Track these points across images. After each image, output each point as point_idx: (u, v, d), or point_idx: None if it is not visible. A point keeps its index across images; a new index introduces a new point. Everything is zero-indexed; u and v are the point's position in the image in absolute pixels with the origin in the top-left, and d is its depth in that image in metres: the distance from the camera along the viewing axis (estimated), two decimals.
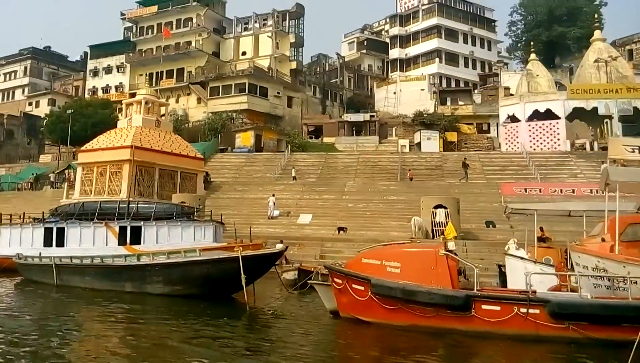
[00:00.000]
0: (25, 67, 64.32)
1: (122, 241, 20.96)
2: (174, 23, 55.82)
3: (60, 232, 21.26)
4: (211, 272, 13.17)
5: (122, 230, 21.11)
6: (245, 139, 40.96)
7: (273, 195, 28.44)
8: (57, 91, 60.61)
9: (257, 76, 49.20)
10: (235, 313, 12.26)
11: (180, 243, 20.71)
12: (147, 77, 55.18)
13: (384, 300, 10.00)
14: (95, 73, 58.48)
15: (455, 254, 10.22)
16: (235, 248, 19.64)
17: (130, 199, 25.77)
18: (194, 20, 54.75)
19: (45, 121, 49.37)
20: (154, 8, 56.93)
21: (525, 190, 26.81)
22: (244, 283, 12.22)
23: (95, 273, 14.56)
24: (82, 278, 14.93)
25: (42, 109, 59.32)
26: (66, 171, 40.57)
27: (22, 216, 23.57)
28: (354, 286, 10.43)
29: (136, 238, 20.98)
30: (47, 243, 21.17)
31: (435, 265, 9.88)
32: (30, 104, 60.74)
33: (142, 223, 21.23)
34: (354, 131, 45.09)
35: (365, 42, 61.02)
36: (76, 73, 62.38)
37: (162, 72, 54.59)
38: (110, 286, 14.24)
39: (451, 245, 10.23)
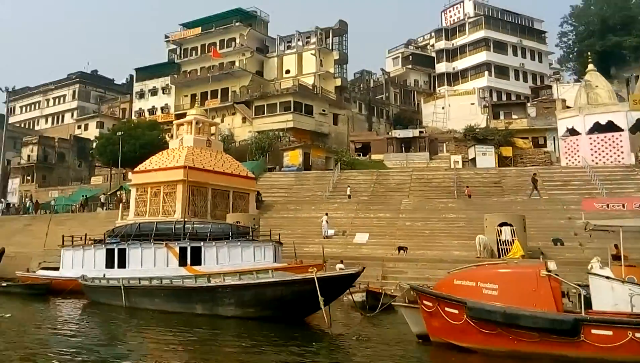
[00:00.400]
0: (74, 91, 66.60)
1: (182, 262, 21.07)
2: (218, 44, 56.86)
3: (122, 253, 21.52)
4: (285, 294, 12.95)
5: (183, 250, 21.22)
6: (293, 157, 41.03)
7: (326, 214, 28.22)
8: (104, 114, 62.40)
9: (301, 93, 49.47)
10: (314, 336, 11.96)
11: (240, 264, 20.66)
12: (192, 98, 56.40)
13: (481, 324, 9.54)
14: (141, 95, 59.99)
15: (557, 275, 9.71)
16: (297, 268, 19.57)
17: (186, 219, 25.92)
18: (237, 41, 55.67)
19: (95, 143, 50.72)
20: (198, 30, 58.25)
21: (607, 205, 25.77)
22: (322, 306, 11.96)
23: (165, 295, 14.54)
24: (151, 300, 14.94)
25: (91, 131, 61.13)
26: (118, 193, 41.40)
27: (84, 238, 23.95)
28: (446, 309, 10.01)
29: (196, 259, 21.06)
30: (109, 264, 21.43)
31: (536, 287, 9.40)
32: (79, 127, 62.66)
33: (201, 243, 21.32)
34: (403, 148, 44.65)
35: (411, 57, 60.77)
36: (123, 96, 64.13)
37: (206, 92, 55.49)
38: (180, 308, 14.18)
39: (552, 266, 9.72)
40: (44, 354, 9.83)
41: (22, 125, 69.37)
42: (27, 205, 49.84)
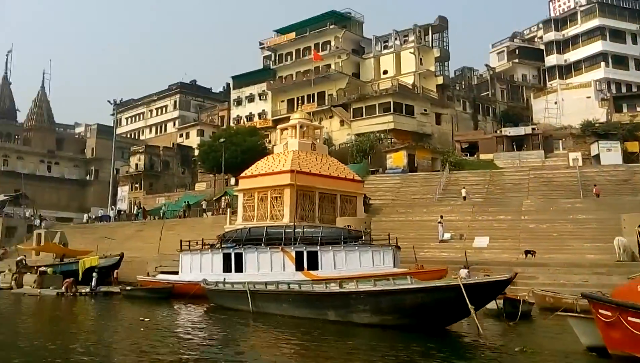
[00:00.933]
0: (175, 101, 69.87)
1: (299, 267, 20.95)
2: (312, 47, 57.25)
3: (239, 258, 21.77)
4: (426, 301, 12.23)
5: (299, 255, 21.11)
6: (397, 159, 40.21)
7: (441, 217, 27.19)
8: (204, 122, 64.81)
9: (401, 94, 48.57)
10: (467, 347, 11.17)
11: (358, 269, 20.24)
12: (288, 103, 57.17)
13: None
14: (238, 102, 61.69)
15: None
16: (419, 274, 18.77)
17: (297, 224, 25.86)
18: (332, 43, 55.76)
19: (197, 151, 52.67)
20: (292, 35, 58.98)
21: None
22: (474, 314, 11.16)
23: (294, 300, 14.30)
24: (278, 305, 14.78)
25: (192, 139, 63.68)
26: (222, 198, 42.57)
27: (200, 242, 24.55)
28: (631, 319, 8.87)
29: (313, 264, 20.86)
30: (227, 268, 21.75)
31: None
32: (180, 135, 65.50)
33: (318, 247, 21.09)
34: (514, 146, 42.47)
35: (517, 50, 58.05)
36: (220, 104, 66.33)
37: (303, 96, 55.97)
38: (310, 314, 13.87)
39: None
40: (190, 356, 9.83)
41: (128, 135, 73.74)
42: (136, 212, 52.74)
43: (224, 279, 19.30)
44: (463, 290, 11.49)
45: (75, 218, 59.13)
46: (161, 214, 46.43)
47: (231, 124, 61.33)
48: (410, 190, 35.90)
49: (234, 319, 15.14)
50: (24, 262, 30.23)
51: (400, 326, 12.51)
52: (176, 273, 25.42)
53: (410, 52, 51.84)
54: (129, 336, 12.78)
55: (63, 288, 23.00)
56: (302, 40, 57.57)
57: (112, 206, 56.07)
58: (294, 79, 56.92)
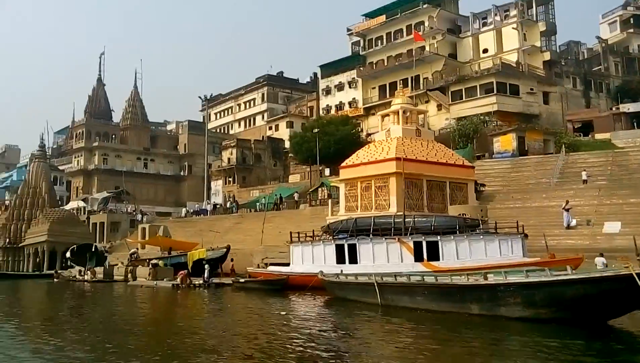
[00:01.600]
0: (263, 94, 70.95)
1: (418, 258, 20.31)
2: (404, 30, 56.03)
3: (352, 249, 21.47)
4: (589, 293, 11.21)
5: (417, 245, 20.47)
6: (505, 142, 38.38)
7: (567, 202, 25.48)
8: (293, 114, 65.29)
9: (505, 73, 46.41)
10: None
11: (484, 259, 19.29)
12: (380, 90, 56.35)
13: None
14: (327, 92, 61.55)
15: None
16: (550, 263, 17.52)
17: (406, 213, 25.17)
18: (426, 24, 54.23)
19: (288, 142, 53.08)
20: (382, 18, 57.91)
21: None
22: None
23: (430, 293, 13.67)
24: (412, 298, 14.21)
25: (282, 132, 64.38)
26: (319, 189, 42.58)
27: (312, 234, 24.46)
28: None
29: (433, 254, 20.15)
30: (340, 260, 21.52)
31: None
32: (270, 128, 66.40)
33: (438, 237, 20.33)
34: (635, 124, 39.34)
35: (631, 19, 53.81)
36: (309, 94, 66.49)
37: (395, 82, 54.90)
38: (449, 307, 13.20)
39: None
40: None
41: (218, 130, 75.78)
42: (230, 205, 54.01)
43: (341, 270, 19.00)
44: (638, 280, 10.41)
45: (173, 213, 61.57)
46: (258, 207, 47.18)
47: (320, 114, 61.37)
48: (523, 175, 34.14)
49: (362, 312, 14.76)
50: (136, 256, 31.55)
51: (556, 319, 11.61)
52: (284, 264, 25.63)
53: (512, 28, 49.38)
54: (264, 328, 12.70)
55: (178, 280, 23.69)
56: (393, 22, 56.44)
57: (208, 200, 57.83)
58: (386, 64, 55.94)
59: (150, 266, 28.43)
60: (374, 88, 57.25)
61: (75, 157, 70.10)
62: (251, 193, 56.04)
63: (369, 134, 52.40)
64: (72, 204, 60.30)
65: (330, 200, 34.37)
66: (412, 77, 53.92)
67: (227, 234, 41.99)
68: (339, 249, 21.69)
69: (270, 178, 58.64)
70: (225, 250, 29.20)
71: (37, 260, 42.69)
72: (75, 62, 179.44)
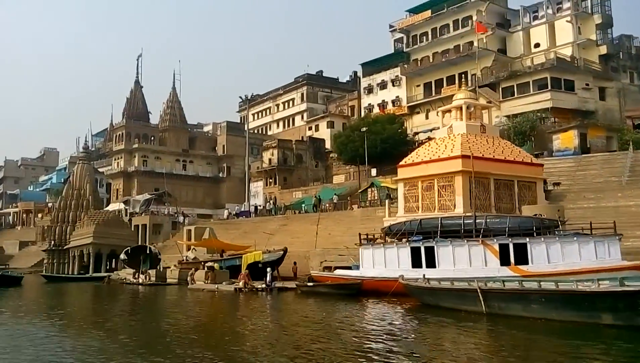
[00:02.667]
0: (302, 94, 70.03)
1: (504, 261, 18.98)
2: (451, 25, 54.52)
3: (430, 252, 20.24)
4: None
5: (503, 248, 19.13)
6: (566, 140, 36.68)
7: None
8: (333, 113, 64.23)
9: (559, 68, 44.62)
10: None
11: (578, 262, 17.87)
12: (425, 87, 54.95)
13: None
14: (369, 90, 60.32)
15: None
16: None
17: (477, 214, 23.83)
18: (474, 18, 52.50)
19: (334, 142, 52.05)
20: (427, 13, 56.46)
21: None
22: None
23: (549, 300, 12.38)
24: (525, 306, 12.95)
25: (322, 132, 63.36)
26: (369, 190, 41.43)
27: (381, 236, 23.33)
28: None
29: (521, 257, 18.79)
30: (416, 263, 20.34)
31: None
32: (310, 128, 65.44)
33: (527, 239, 18.95)
34: None
35: None
36: (350, 94, 65.34)
37: (441, 79, 53.57)
38: (574, 317, 11.92)
39: None
40: None
41: (256, 131, 75.13)
42: (270, 207, 53.24)
43: (424, 275, 17.77)
44: None
45: (213, 214, 61.10)
46: (303, 209, 46.25)
47: (362, 113, 60.21)
48: (589, 173, 32.45)
49: (462, 322, 13.51)
50: (193, 258, 30.85)
51: None
52: (347, 267, 24.57)
53: (566, 21, 47.54)
54: (360, 340, 11.55)
55: (240, 283, 22.76)
56: (439, 17, 54.93)
57: (249, 202, 57.15)
58: (431, 60, 54.49)
59: (205, 269, 27.63)
60: (418, 86, 55.86)
61: (115, 159, 70.18)
62: (294, 194, 55.13)
63: (415, 133, 51.08)
64: (113, 207, 60.26)
65: (387, 201, 33.09)
66: (459, 74, 52.33)
67: (273, 236, 41.19)
68: (415, 252, 20.48)
69: (312, 179, 57.67)
70: (282, 252, 28.28)
71: (83, 262, 42.32)
72: (112, 66, 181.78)
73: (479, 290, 13.85)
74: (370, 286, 20.08)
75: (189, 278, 26.47)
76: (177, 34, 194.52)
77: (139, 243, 49.24)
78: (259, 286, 23.16)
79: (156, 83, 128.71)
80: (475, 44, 51.35)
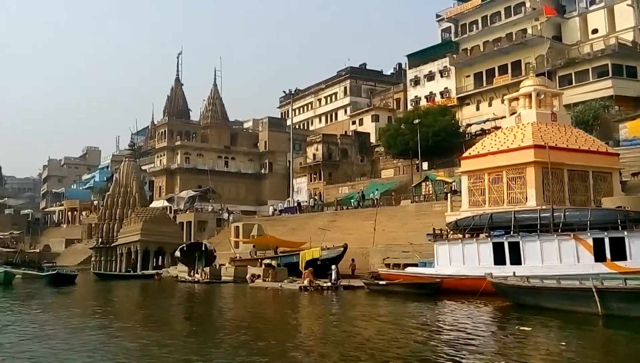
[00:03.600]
0: (345, 88, 68.70)
1: (599, 257, 17.44)
2: (502, 12, 52.49)
3: (514, 247, 18.82)
4: None
5: (598, 242, 17.58)
6: (634, 129, 34.60)
7: None
8: (378, 107, 62.82)
9: (621, 54, 42.36)
10: None
11: None
12: (475, 78, 53.13)
13: None
14: (416, 82, 58.73)
15: None
16: None
17: (554, 207, 22.27)
18: (528, 4, 50.46)
19: (383, 136, 50.72)
20: (477, 1, 54.52)
21: None
22: None
23: None
24: None
25: (366, 126, 62.04)
26: (422, 184, 40.04)
27: (461, 231, 21.99)
28: None
29: (619, 253, 17.23)
30: (499, 260, 18.95)
31: None
32: (353, 123, 64.15)
33: (624, 233, 17.39)
34: None
35: None
36: (395, 86, 63.79)
37: (493, 69, 51.64)
38: None
39: None
40: None
41: (297, 127, 74.16)
42: (313, 203, 52.20)
43: (514, 273, 16.41)
44: None
45: (256, 211, 60.51)
46: (353, 204, 45.11)
47: (408, 106, 58.68)
48: None
49: (572, 324, 12.12)
50: (247, 255, 29.99)
51: None
52: (414, 264, 23.40)
53: (627, 5, 45.08)
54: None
55: (305, 281, 21.71)
56: (490, 5, 52.96)
57: (293, 198, 56.26)
58: (482, 50, 52.58)
59: (262, 266, 26.73)
60: (468, 76, 54.02)
61: (157, 156, 70.20)
62: (340, 189, 54.00)
63: (468, 125, 49.35)
64: (157, 204, 60.20)
65: (449, 195, 31.65)
66: (511, 63, 50.55)
67: (326, 232, 40.23)
68: (498, 248, 19.10)
69: (358, 174, 56.38)
70: (342, 248, 27.16)
71: (132, 259, 42.04)
72: (152, 64, 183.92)
73: (594, 289, 12.45)
74: (451, 285, 18.78)
75: (248, 276, 25.57)
76: (215, 31, 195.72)
77: (186, 240, 49.01)
78: (325, 284, 22.07)
79: (195, 81, 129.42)
80: (530, 31, 49.40)
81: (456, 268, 19.63)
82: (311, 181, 58.73)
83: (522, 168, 26.11)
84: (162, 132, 70.78)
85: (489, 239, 19.39)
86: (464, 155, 29.82)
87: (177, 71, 79.89)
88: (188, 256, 30.48)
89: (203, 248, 30.83)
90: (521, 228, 20.17)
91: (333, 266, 23.22)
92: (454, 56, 54.76)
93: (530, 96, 28.33)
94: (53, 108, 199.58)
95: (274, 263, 27.23)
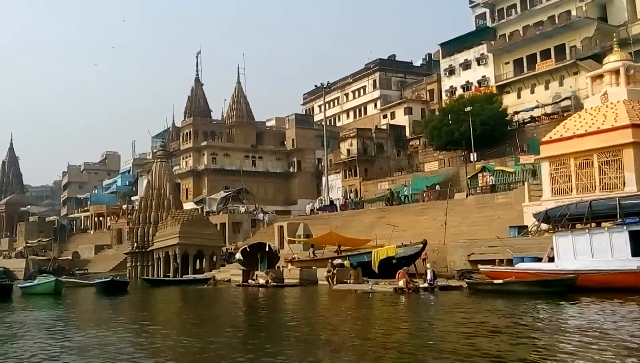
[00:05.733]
0: (374, 81, 66.01)
1: None
2: None
3: None
4: None
5: None
6: None
7: None
8: (410, 99, 60.22)
9: None
10: None
11: None
12: (515, 64, 50.56)
13: None
14: (450, 72, 56.18)
15: None
16: None
17: None
18: None
19: (426, 127, 48.23)
20: None
21: None
22: None
23: None
24: None
25: (398, 119, 59.53)
26: (479, 175, 37.47)
27: (554, 222, 19.47)
28: None
29: None
30: (638, 251, 16.39)
31: None
32: (384, 116, 61.62)
33: None
34: None
35: None
36: (428, 77, 61.15)
37: (534, 54, 49.09)
38: None
39: None
40: None
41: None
42: (347, 201, 49.73)
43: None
44: None
45: (290, 211, 58.02)
46: (402, 199, 42.64)
47: (443, 96, 56.16)
48: None
49: None
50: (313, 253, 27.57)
51: None
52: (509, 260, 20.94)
53: None
54: None
55: (400, 282, 19.16)
56: None
57: (329, 196, 53.72)
58: (522, 34, 49.96)
59: (333, 266, 24.22)
60: (507, 63, 51.49)
61: (183, 158, 67.65)
62: (379, 185, 51.43)
63: (515, 113, 46.72)
64: (186, 206, 57.75)
65: (526, 185, 29.09)
66: (554, 47, 47.93)
67: (370, 229, 37.76)
68: (636, 237, 16.50)
69: (394, 169, 53.78)
70: (421, 245, 24.60)
71: (175, 263, 39.65)
72: (168, 67, 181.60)
73: None
74: (592, 282, 16.17)
75: (325, 276, 22.98)
76: (232, 29, 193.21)
77: (227, 242, 46.60)
78: (421, 285, 19.53)
79: (212, 80, 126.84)
80: (574, 13, 46.80)
81: (583, 262, 17.07)
82: (346, 177, 56.14)
83: (618, 150, 23.59)
84: (186, 133, 68.30)
85: (625, 227, 16.79)
86: (543, 140, 27.31)
87: (197, 70, 77.54)
88: (249, 259, 27.94)
89: (267, 249, 28.26)
90: (628, 215, 17.78)
91: (428, 264, 20.73)
92: (492, 42, 52.21)
93: (617, 72, 25.67)
94: (66, 115, 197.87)
95: (346, 263, 24.73)
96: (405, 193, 43.50)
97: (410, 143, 57.01)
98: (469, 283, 19.22)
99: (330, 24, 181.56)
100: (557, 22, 47.64)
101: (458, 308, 15.22)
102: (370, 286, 19.89)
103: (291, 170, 67.33)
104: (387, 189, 46.24)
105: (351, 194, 53.70)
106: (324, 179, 59.57)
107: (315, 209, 51.18)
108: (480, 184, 37.41)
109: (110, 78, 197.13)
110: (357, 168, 54.55)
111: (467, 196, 37.00)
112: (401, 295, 18.63)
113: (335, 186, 58.15)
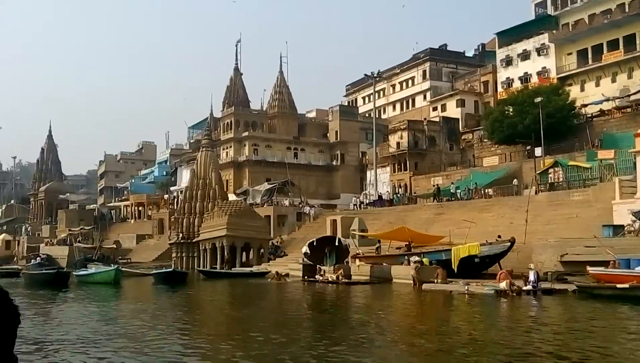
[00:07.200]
0: (424, 71, 63.77)
1: None
2: None
3: None
4: None
5: None
6: None
7: None
8: (463, 90, 58.02)
9: None
10: None
11: None
12: (578, 55, 48.04)
13: None
14: (507, 62, 53.83)
15: None
16: None
17: None
18: None
19: (486, 120, 46.10)
20: None
21: None
22: None
23: None
24: None
25: (449, 112, 57.42)
26: (551, 170, 35.33)
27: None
28: None
29: None
30: None
31: None
32: (434, 109, 59.56)
33: None
34: None
35: None
36: (482, 68, 58.82)
37: (601, 44, 46.45)
38: None
39: None
40: None
41: (368, 115, 69.75)
42: (394, 196, 47.93)
43: None
44: None
45: (336, 204, 56.45)
46: (459, 195, 40.71)
47: (500, 88, 53.89)
48: None
49: None
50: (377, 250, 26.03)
51: None
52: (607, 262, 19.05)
53: None
54: None
55: (502, 284, 17.42)
56: None
57: (374, 191, 51.93)
58: (588, 23, 47.41)
59: (412, 264, 22.59)
60: (570, 54, 48.95)
61: (223, 149, 66.46)
62: (432, 180, 49.41)
63: (583, 105, 44.27)
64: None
65: (616, 179, 27.00)
66: (623, 37, 45.28)
67: (428, 226, 36.08)
68: None
69: (447, 163, 51.70)
70: (508, 243, 22.80)
71: (226, 255, 38.49)
72: (205, 56, 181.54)
73: None
74: None
75: (412, 274, 21.33)
76: (272, 17, 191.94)
77: (272, 235, 45.25)
78: (524, 287, 17.75)
79: (250, 71, 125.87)
80: None
81: None
82: (394, 171, 54.23)
83: None
84: (227, 123, 67.17)
85: None
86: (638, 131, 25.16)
87: (236, 60, 76.50)
88: (316, 253, 26.43)
89: (336, 243, 26.72)
90: None
91: (531, 265, 18.96)
92: (554, 31, 49.69)
93: None
94: (101, 106, 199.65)
95: (425, 260, 23.09)
96: (452, 190, 41.68)
97: (463, 137, 54.87)
98: (581, 287, 17.36)
99: (374, 14, 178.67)
100: (627, 10, 44.97)
101: (591, 318, 13.42)
102: (466, 288, 18.16)
103: (334, 163, 65.68)
104: (434, 186, 44.44)
105: (400, 189, 51.81)
106: (369, 173, 57.92)
107: (364, 204, 49.45)
108: (551, 181, 35.25)
109: (143, 72, 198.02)
110: (408, 162, 52.58)
111: (536, 192, 34.95)
112: (503, 298, 16.89)
113: (382, 180, 56.31)
